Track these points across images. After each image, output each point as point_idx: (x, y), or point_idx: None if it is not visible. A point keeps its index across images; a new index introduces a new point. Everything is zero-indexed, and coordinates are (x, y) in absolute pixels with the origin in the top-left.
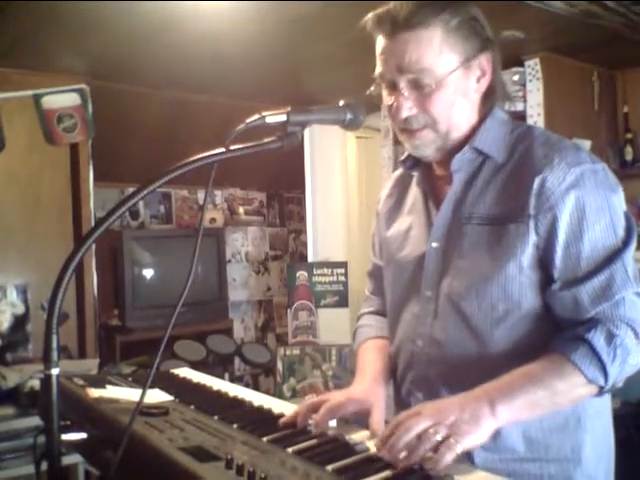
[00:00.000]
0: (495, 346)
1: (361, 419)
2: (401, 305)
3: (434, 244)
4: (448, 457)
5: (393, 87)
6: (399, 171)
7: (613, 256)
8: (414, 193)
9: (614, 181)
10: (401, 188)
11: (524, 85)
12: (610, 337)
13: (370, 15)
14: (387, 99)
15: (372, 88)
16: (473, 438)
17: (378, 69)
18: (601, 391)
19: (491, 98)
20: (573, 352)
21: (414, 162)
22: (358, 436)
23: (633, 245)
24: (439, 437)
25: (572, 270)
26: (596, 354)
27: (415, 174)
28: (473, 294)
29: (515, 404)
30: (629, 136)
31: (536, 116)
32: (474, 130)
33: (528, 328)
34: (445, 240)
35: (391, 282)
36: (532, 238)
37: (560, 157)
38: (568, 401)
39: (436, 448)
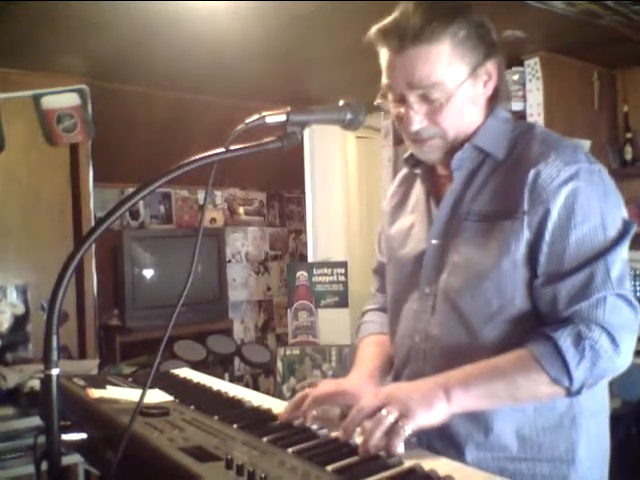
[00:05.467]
0: (487, 342)
1: None
2: (401, 302)
3: (434, 241)
4: (397, 442)
5: (401, 99)
6: (405, 170)
7: (597, 256)
8: (418, 191)
9: (610, 185)
10: (406, 187)
11: (524, 85)
12: (579, 339)
13: (376, 28)
14: (395, 109)
15: (378, 99)
16: (424, 417)
17: (385, 80)
18: (569, 393)
19: (495, 99)
20: (538, 349)
21: (417, 160)
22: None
23: (621, 249)
24: (391, 418)
25: (555, 266)
26: (560, 354)
27: (418, 172)
28: (468, 290)
29: (471, 392)
30: (629, 136)
31: (536, 116)
32: (477, 129)
33: (520, 326)
34: (444, 237)
35: (391, 279)
36: (525, 234)
37: (557, 154)
38: (530, 397)
39: (389, 431)
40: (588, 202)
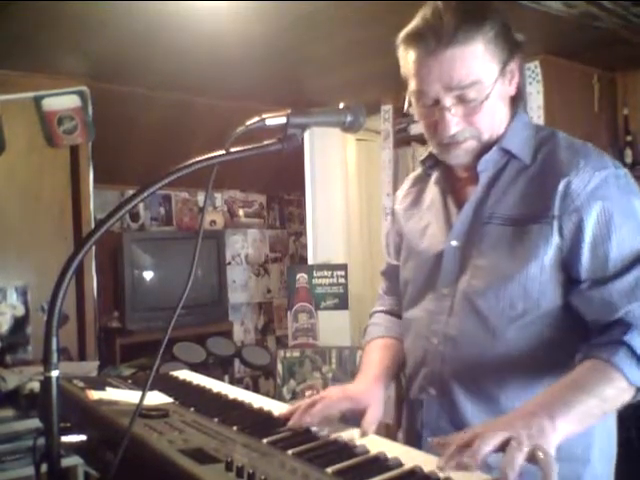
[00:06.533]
0: (509, 344)
1: (356, 418)
2: (416, 301)
3: (454, 242)
4: (552, 463)
5: (435, 103)
6: (416, 171)
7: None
8: (432, 192)
9: (635, 188)
10: (418, 187)
11: (524, 87)
12: None
13: (407, 32)
14: (426, 114)
15: (406, 105)
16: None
17: (415, 86)
18: (637, 394)
19: (517, 99)
20: (615, 356)
21: (434, 162)
22: (347, 434)
23: None
24: (526, 448)
25: (600, 270)
26: (636, 356)
27: (434, 174)
28: (491, 292)
29: (571, 416)
30: (629, 139)
31: (536, 119)
32: (504, 131)
33: (544, 329)
34: (465, 239)
35: (409, 278)
36: (555, 239)
37: (585, 161)
38: (614, 407)
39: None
40: (622, 207)
